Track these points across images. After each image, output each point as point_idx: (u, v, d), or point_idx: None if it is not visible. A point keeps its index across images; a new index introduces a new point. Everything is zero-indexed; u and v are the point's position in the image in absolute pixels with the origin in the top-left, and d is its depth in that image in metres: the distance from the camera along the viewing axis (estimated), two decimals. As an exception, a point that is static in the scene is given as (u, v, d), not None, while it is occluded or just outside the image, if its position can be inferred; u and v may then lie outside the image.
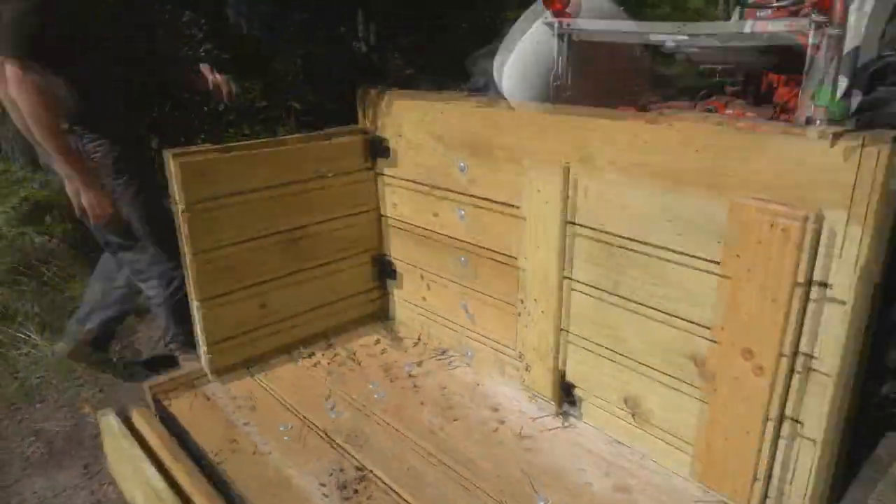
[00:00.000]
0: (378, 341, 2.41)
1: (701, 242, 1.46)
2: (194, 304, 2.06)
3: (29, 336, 2.82)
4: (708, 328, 1.48)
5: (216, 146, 2.03)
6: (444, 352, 2.30)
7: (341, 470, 1.70)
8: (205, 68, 2.46)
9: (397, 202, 2.35)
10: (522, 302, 1.90)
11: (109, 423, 1.93)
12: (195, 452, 1.81)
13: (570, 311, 1.79)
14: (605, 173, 1.63)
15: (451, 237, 2.16)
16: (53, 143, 2.07)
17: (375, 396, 2.06)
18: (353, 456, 1.76)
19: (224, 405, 2.03)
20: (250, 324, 2.21)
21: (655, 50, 2.16)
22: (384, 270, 2.50)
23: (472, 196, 2.04)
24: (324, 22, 6.68)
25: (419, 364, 2.23)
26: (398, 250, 2.43)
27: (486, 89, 2.35)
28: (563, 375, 1.87)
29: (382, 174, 2.36)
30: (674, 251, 1.51)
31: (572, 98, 2.18)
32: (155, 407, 2.04)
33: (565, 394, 1.87)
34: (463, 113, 2.01)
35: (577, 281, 1.75)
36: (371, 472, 1.69)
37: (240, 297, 2.16)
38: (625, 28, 2.01)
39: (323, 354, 2.32)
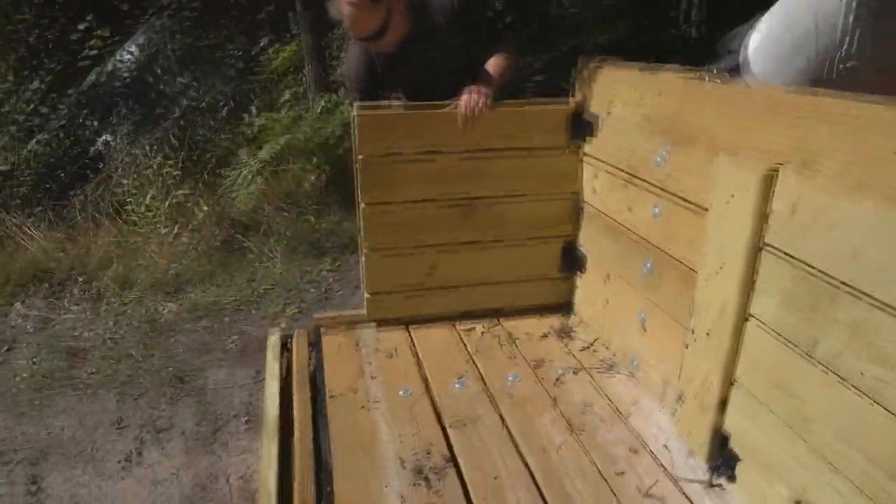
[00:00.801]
0: (544, 333, 2.16)
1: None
2: (362, 252, 2.09)
3: (274, 255, 3.27)
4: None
5: (404, 104, 2.02)
6: (610, 364, 1.96)
7: (428, 453, 1.55)
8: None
9: (597, 188, 2.05)
10: (693, 331, 1.47)
11: (271, 340, 2.11)
12: (319, 386, 1.87)
13: (747, 359, 1.32)
14: (829, 187, 1.12)
15: (641, 237, 1.80)
16: None
17: (509, 381, 1.86)
18: (449, 442, 1.60)
19: (366, 353, 2.04)
20: (417, 283, 2.18)
21: None
22: (572, 261, 2.23)
23: (667, 192, 1.65)
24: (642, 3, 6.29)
25: (574, 369, 1.93)
26: (590, 241, 2.12)
27: (737, 72, 1.86)
28: (721, 432, 1.40)
29: (586, 155, 2.07)
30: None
31: (851, 83, 1.58)
32: (312, 337, 2.16)
33: (720, 454, 1.41)
34: (674, 90, 1.63)
35: (763, 323, 1.27)
36: (456, 468, 1.51)
37: (409, 254, 2.13)
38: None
39: (482, 330, 2.18)
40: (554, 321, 2.25)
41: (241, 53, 5.51)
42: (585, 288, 2.18)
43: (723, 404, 1.38)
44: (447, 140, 2.01)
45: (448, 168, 2.05)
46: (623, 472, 1.49)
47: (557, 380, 1.88)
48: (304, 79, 4.55)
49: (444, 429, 1.65)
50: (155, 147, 3.53)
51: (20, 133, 3.64)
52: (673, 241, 1.64)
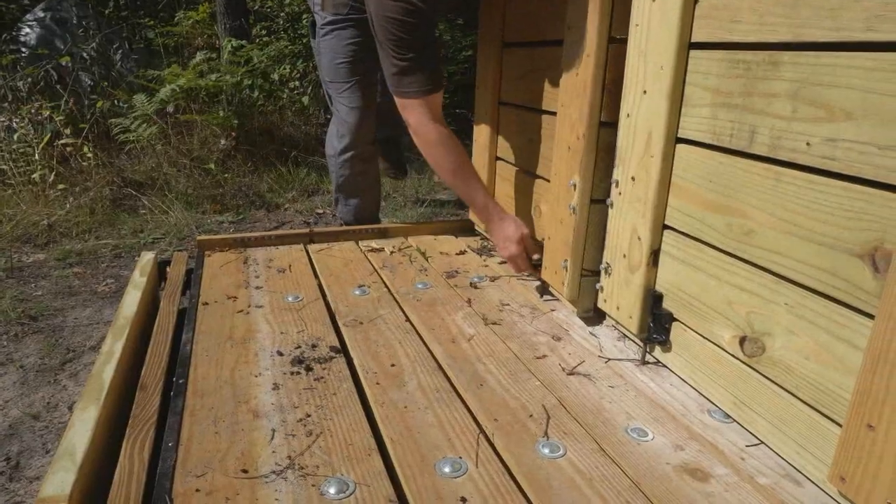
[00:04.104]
0: (462, 251, 1.94)
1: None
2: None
3: (170, 209, 2.92)
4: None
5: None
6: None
7: (314, 346, 1.29)
8: None
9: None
10: (616, 182, 1.28)
11: (143, 258, 1.79)
12: (193, 297, 1.57)
13: (678, 192, 1.13)
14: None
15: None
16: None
17: (419, 286, 1.62)
18: (341, 336, 1.34)
19: (254, 269, 1.75)
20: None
21: None
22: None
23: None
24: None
25: (493, 277, 1.71)
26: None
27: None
28: (653, 292, 1.21)
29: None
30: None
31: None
32: (196, 257, 1.86)
33: (652, 320, 1.21)
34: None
35: (692, 142, 1.09)
36: (346, 357, 1.25)
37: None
38: None
39: (391, 249, 1.94)
40: (472, 241, 2.04)
41: (152, 24, 5.16)
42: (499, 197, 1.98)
43: (654, 257, 1.19)
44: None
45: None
46: (544, 356, 1.27)
47: (473, 285, 1.66)
48: (217, 41, 4.24)
49: (336, 326, 1.39)
50: (31, 87, 3.12)
51: None
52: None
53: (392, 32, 1.50)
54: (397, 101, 1.60)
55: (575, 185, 1.36)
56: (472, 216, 2.08)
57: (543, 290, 1.60)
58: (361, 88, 1.94)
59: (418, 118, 1.58)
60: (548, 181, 1.57)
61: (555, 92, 1.49)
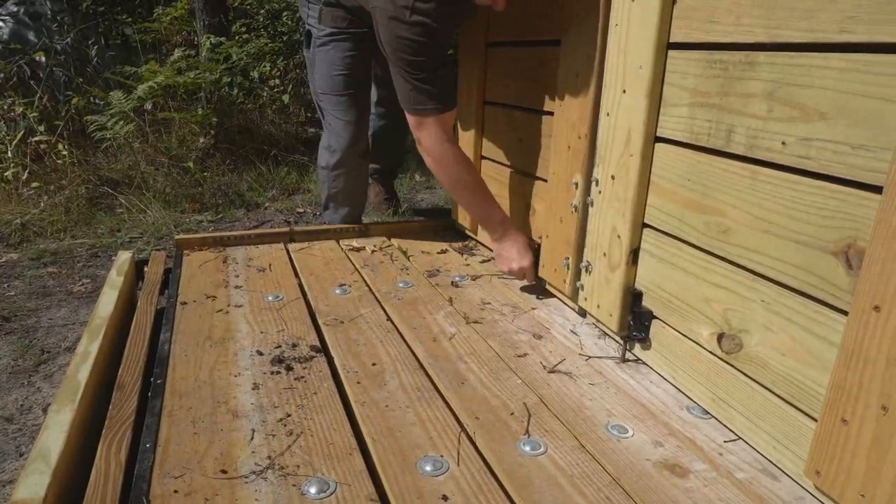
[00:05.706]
0: (443, 250, 1.94)
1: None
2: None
3: (148, 208, 2.88)
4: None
5: None
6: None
7: (294, 346, 1.28)
8: None
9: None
10: (597, 181, 1.29)
11: (120, 257, 1.76)
12: (171, 296, 1.55)
13: (657, 190, 1.14)
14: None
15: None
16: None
17: (400, 285, 1.62)
18: (321, 334, 1.34)
19: (234, 268, 1.74)
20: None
21: None
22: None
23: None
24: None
25: (474, 276, 1.71)
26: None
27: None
28: (633, 290, 1.22)
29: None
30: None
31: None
32: (174, 256, 1.84)
33: (632, 318, 1.22)
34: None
35: (673, 139, 1.10)
36: (327, 357, 1.24)
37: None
38: None
39: (373, 248, 1.93)
40: (454, 242, 2.04)
41: (129, 20, 5.08)
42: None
43: (634, 255, 1.20)
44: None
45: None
46: (526, 354, 1.28)
47: (454, 284, 1.66)
48: (195, 38, 4.18)
49: (317, 326, 1.39)
50: (4, 82, 3.05)
51: None
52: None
53: (406, 52, 1.50)
54: (410, 119, 1.61)
55: (577, 185, 1.36)
56: (460, 220, 2.08)
57: (541, 288, 1.60)
58: (356, 101, 1.93)
59: (432, 137, 1.59)
60: (541, 180, 1.57)
61: (548, 91, 1.49)
